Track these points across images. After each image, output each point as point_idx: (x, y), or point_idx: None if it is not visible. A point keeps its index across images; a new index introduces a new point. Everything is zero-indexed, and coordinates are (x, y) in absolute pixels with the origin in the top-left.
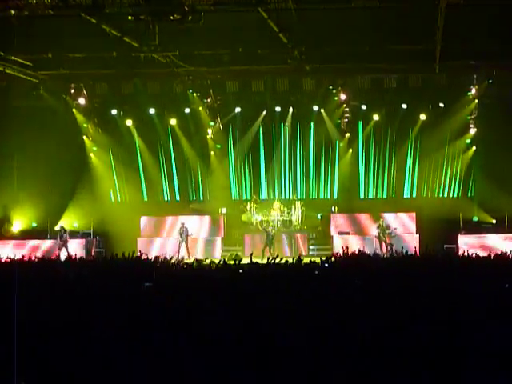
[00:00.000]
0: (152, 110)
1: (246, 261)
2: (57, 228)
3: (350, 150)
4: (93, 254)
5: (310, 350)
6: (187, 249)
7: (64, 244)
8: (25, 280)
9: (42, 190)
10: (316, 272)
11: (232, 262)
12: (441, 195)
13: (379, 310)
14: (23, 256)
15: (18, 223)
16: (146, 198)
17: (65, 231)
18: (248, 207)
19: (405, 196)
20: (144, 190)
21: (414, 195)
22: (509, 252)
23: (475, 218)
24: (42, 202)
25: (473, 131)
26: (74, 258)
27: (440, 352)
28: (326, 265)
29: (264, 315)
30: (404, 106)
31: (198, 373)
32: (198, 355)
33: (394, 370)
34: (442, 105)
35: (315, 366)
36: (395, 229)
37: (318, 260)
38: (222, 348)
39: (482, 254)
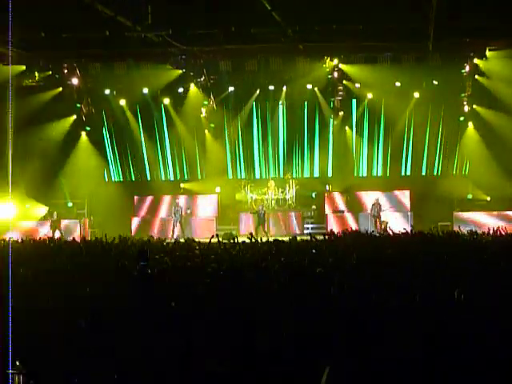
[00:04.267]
0: (145, 90)
1: (240, 239)
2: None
3: (344, 129)
4: (88, 234)
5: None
6: (181, 228)
7: (56, 224)
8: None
9: (34, 169)
10: (313, 251)
11: (226, 241)
12: (435, 173)
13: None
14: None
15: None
16: (139, 178)
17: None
18: (242, 186)
19: (399, 174)
20: (137, 169)
21: (409, 173)
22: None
23: (469, 196)
24: (35, 182)
25: (467, 109)
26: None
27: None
28: (314, 250)
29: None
30: (397, 84)
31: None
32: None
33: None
34: (435, 82)
35: None
36: (391, 207)
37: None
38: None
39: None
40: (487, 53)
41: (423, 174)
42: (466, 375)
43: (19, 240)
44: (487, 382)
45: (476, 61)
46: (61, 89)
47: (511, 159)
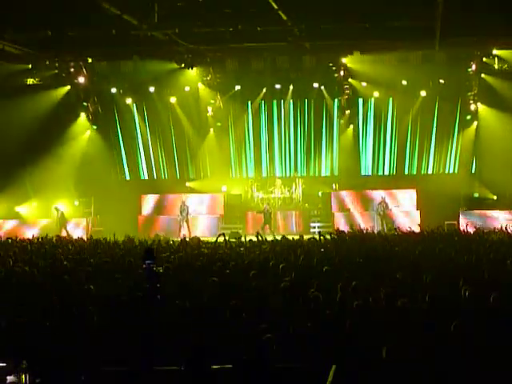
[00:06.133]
0: (152, 88)
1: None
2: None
3: (350, 127)
4: (89, 233)
5: None
6: (188, 227)
7: (63, 223)
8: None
9: (43, 167)
10: (322, 250)
11: (233, 240)
12: (442, 171)
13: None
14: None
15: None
16: (146, 176)
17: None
18: (249, 185)
19: (405, 172)
20: (144, 168)
21: (415, 172)
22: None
23: (476, 194)
24: (42, 181)
25: (473, 107)
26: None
27: None
28: (322, 249)
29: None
30: (404, 82)
31: None
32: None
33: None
34: (442, 81)
35: None
36: (397, 206)
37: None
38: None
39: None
40: (494, 51)
41: (429, 172)
42: None
43: None
44: None
45: (484, 59)
46: (69, 87)
47: None
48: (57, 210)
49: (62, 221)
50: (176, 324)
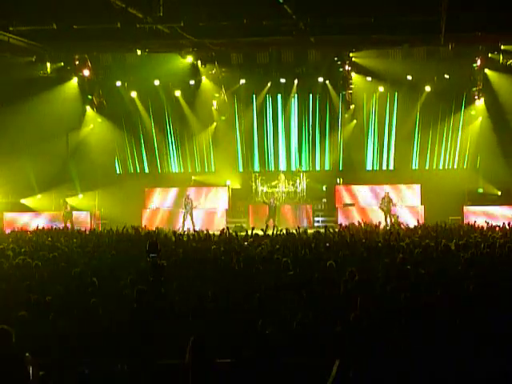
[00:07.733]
0: (157, 82)
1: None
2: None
3: (355, 122)
4: (97, 226)
5: None
6: (192, 221)
7: (69, 216)
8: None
9: (47, 160)
10: (327, 244)
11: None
12: (446, 167)
13: None
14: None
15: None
16: (150, 170)
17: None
18: (253, 179)
19: (410, 167)
20: (148, 161)
21: (419, 167)
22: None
23: (480, 190)
24: (46, 174)
25: (478, 102)
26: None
27: None
28: (327, 244)
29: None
30: (409, 77)
31: None
32: None
33: None
34: (447, 76)
35: None
36: (401, 201)
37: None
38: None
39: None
40: (502, 47)
41: (434, 167)
42: None
43: None
44: None
45: (489, 55)
46: (76, 80)
47: None
48: (66, 202)
49: (69, 214)
50: (178, 318)
